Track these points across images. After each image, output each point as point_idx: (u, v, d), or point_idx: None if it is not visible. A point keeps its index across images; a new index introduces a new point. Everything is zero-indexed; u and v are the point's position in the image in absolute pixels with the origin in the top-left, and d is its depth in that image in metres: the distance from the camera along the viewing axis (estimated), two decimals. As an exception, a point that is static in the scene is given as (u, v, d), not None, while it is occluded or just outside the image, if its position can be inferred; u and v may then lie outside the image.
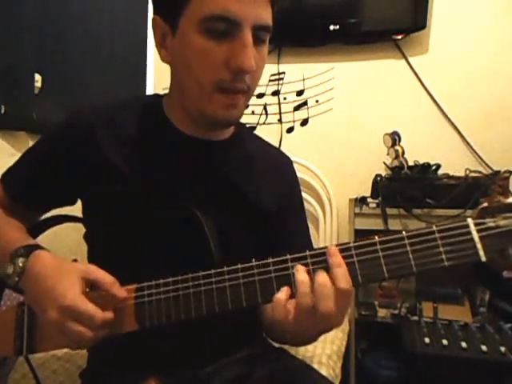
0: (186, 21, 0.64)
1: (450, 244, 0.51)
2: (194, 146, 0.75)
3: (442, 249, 0.51)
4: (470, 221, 0.51)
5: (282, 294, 0.55)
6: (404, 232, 0.52)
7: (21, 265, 0.64)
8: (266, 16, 0.65)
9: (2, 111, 1.19)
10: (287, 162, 0.88)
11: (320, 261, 0.55)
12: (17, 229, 0.75)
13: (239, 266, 0.58)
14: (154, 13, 0.70)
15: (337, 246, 0.55)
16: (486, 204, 0.50)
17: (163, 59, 0.71)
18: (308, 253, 0.56)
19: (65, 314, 0.58)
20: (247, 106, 1.92)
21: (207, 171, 0.76)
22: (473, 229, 0.50)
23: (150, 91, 1.99)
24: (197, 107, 0.69)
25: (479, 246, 0.50)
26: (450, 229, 0.51)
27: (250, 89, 0.68)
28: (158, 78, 2.02)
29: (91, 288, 0.62)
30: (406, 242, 0.52)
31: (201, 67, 0.65)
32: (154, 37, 0.71)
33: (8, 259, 0.66)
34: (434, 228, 0.52)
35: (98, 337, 0.60)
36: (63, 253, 1.42)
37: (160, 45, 0.70)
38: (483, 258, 0.50)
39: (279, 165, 0.85)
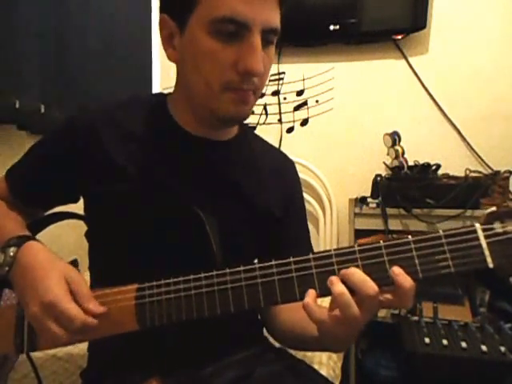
0: (195, 21, 0.63)
1: (457, 250, 0.50)
2: (198, 146, 0.74)
3: (448, 255, 0.50)
4: (477, 226, 0.50)
5: (309, 298, 0.54)
6: (410, 236, 0.52)
7: (11, 254, 0.63)
8: (274, 19, 0.65)
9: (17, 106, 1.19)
10: (290, 166, 0.88)
11: (328, 263, 0.55)
12: (14, 221, 0.74)
13: (241, 267, 0.57)
14: (162, 11, 0.68)
15: (340, 249, 0.54)
16: (493, 208, 0.49)
17: (170, 58, 0.70)
18: (311, 256, 0.55)
19: (46, 311, 0.56)
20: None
21: (210, 171, 0.75)
22: (480, 234, 0.49)
23: (156, 91, 1.97)
24: (207, 106, 0.68)
25: (487, 252, 0.49)
26: (457, 234, 0.50)
27: (258, 89, 0.68)
28: (163, 77, 2.00)
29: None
30: (412, 246, 0.51)
31: (209, 68, 0.64)
32: (161, 35, 0.70)
33: (0, 250, 0.65)
34: (441, 233, 0.51)
35: (73, 340, 0.59)
36: (64, 250, 1.42)
37: (167, 43, 0.69)
38: (491, 265, 0.49)
39: (283, 167, 0.86)
